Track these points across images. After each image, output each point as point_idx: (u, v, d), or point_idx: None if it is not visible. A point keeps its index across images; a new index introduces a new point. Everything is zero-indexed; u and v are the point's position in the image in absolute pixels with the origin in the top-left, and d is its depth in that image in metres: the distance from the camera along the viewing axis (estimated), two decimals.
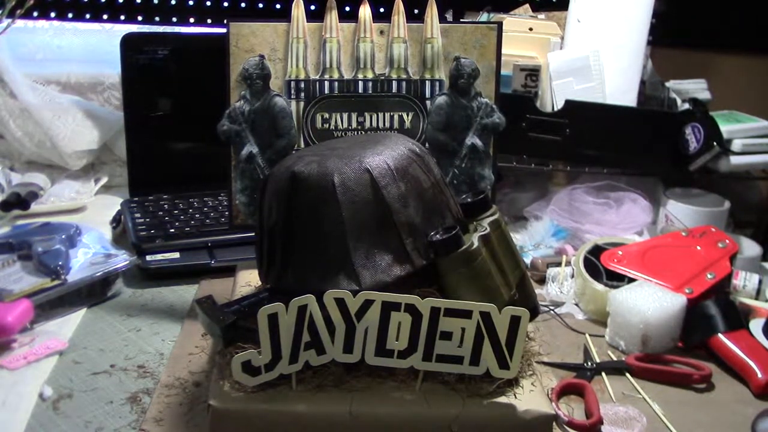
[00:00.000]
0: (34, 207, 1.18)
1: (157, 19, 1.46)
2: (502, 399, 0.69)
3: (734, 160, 1.15)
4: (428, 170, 0.75)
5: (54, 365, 0.83)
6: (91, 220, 1.16)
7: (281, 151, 0.94)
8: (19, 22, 1.24)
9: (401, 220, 0.71)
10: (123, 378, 0.81)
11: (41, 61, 1.40)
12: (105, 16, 1.45)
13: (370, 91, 0.95)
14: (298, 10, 0.93)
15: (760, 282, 1.00)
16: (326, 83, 0.94)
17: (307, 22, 0.93)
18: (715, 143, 1.12)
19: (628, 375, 0.86)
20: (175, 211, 1.16)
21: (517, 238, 1.14)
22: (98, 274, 0.95)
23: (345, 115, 0.95)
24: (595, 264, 1.01)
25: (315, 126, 0.95)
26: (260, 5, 1.49)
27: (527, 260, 1.08)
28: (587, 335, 0.94)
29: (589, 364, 0.87)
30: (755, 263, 1.11)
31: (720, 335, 0.88)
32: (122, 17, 1.45)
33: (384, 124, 0.96)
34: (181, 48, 1.26)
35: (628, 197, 1.20)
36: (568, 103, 1.18)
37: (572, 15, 1.27)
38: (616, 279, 0.99)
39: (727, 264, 0.97)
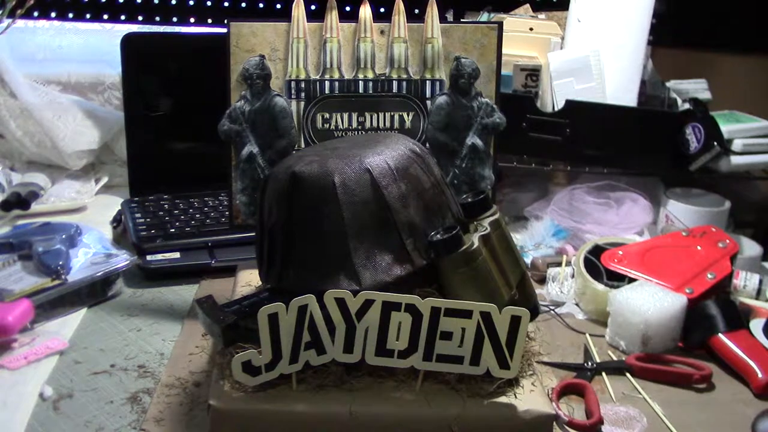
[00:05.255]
0: (35, 207, 1.18)
1: (157, 19, 1.46)
2: (503, 399, 0.69)
3: (734, 160, 1.15)
4: (428, 170, 0.75)
5: (54, 365, 0.83)
6: (91, 220, 1.16)
7: (282, 151, 0.94)
8: (20, 22, 1.24)
9: (401, 220, 0.71)
10: (123, 378, 0.81)
11: (41, 61, 1.40)
12: (105, 16, 1.45)
13: (371, 91, 0.95)
14: (298, 10, 0.93)
15: (761, 282, 1.00)
16: (327, 83, 0.94)
17: (308, 22, 0.93)
18: (715, 143, 1.12)
19: (628, 375, 0.86)
20: (176, 211, 1.16)
21: (518, 238, 1.14)
22: (99, 273, 0.95)
23: (345, 115, 0.95)
24: (596, 264, 1.01)
25: (315, 126, 0.95)
26: (260, 5, 1.49)
27: (527, 260, 1.08)
28: (587, 335, 0.94)
29: (590, 364, 0.87)
30: (756, 263, 1.11)
31: (720, 335, 0.88)
32: (122, 17, 1.45)
33: (384, 124, 0.96)
34: (181, 48, 1.26)
35: (629, 197, 1.20)
36: (569, 103, 1.18)
37: (572, 15, 1.27)
38: (616, 279, 0.98)
39: (727, 264, 0.97)
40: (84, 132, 1.31)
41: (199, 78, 1.17)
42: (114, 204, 1.21)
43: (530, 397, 0.70)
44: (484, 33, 0.96)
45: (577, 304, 1.01)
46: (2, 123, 1.29)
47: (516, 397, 0.70)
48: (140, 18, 1.46)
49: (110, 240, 1.08)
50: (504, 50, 0.97)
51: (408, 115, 0.96)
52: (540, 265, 1.07)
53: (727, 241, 1.00)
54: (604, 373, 0.85)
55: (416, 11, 1.00)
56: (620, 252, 1.01)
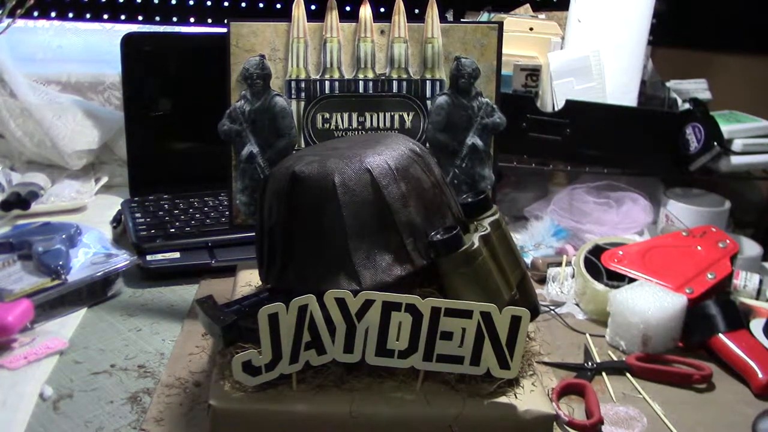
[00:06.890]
0: (35, 207, 1.18)
1: (157, 18, 1.46)
2: (503, 399, 0.69)
3: (734, 160, 1.15)
4: (429, 170, 0.75)
5: (54, 365, 0.83)
6: (91, 220, 1.16)
7: (282, 151, 0.94)
8: (20, 22, 1.23)
9: (402, 220, 0.71)
10: (123, 378, 0.81)
11: (41, 61, 1.40)
12: (105, 16, 1.45)
13: (371, 91, 0.95)
14: (298, 10, 0.93)
15: (761, 282, 1.00)
16: (327, 83, 0.94)
17: (308, 21, 0.93)
18: (715, 143, 1.12)
19: (628, 375, 0.86)
20: (176, 211, 1.16)
21: (518, 238, 1.14)
22: (98, 273, 0.95)
23: (345, 115, 0.95)
24: (596, 264, 1.01)
25: (315, 126, 0.95)
26: (261, 5, 1.49)
27: (528, 260, 1.08)
28: (587, 335, 0.94)
29: (590, 364, 0.87)
30: (756, 263, 1.11)
31: (720, 335, 0.88)
32: (122, 17, 1.45)
33: (384, 124, 0.96)
34: (181, 48, 1.26)
35: (629, 197, 1.20)
36: (569, 103, 1.18)
37: (572, 15, 1.27)
38: (616, 279, 0.99)
39: (727, 264, 0.97)
40: (84, 132, 1.31)
41: (198, 78, 1.17)
42: (114, 204, 1.21)
43: (530, 397, 0.70)
44: (484, 33, 0.96)
45: (577, 304, 1.01)
46: (2, 123, 1.29)
47: (516, 397, 0.70)
48: (140, 18, 1.46)
49: (110, 240, 1.08)
50: (504, 50, 0.97)
51: (408, 115, 0.96)
52: (540, 265, 1.07)
53: (727, 241, 1.00)
54: (604, 373, 0.85)
55: (416, 11, 1.00)
56: (620, 252, 1.01)
